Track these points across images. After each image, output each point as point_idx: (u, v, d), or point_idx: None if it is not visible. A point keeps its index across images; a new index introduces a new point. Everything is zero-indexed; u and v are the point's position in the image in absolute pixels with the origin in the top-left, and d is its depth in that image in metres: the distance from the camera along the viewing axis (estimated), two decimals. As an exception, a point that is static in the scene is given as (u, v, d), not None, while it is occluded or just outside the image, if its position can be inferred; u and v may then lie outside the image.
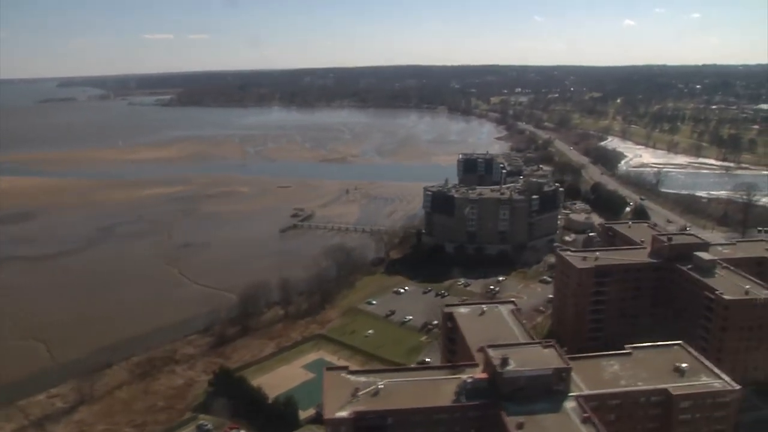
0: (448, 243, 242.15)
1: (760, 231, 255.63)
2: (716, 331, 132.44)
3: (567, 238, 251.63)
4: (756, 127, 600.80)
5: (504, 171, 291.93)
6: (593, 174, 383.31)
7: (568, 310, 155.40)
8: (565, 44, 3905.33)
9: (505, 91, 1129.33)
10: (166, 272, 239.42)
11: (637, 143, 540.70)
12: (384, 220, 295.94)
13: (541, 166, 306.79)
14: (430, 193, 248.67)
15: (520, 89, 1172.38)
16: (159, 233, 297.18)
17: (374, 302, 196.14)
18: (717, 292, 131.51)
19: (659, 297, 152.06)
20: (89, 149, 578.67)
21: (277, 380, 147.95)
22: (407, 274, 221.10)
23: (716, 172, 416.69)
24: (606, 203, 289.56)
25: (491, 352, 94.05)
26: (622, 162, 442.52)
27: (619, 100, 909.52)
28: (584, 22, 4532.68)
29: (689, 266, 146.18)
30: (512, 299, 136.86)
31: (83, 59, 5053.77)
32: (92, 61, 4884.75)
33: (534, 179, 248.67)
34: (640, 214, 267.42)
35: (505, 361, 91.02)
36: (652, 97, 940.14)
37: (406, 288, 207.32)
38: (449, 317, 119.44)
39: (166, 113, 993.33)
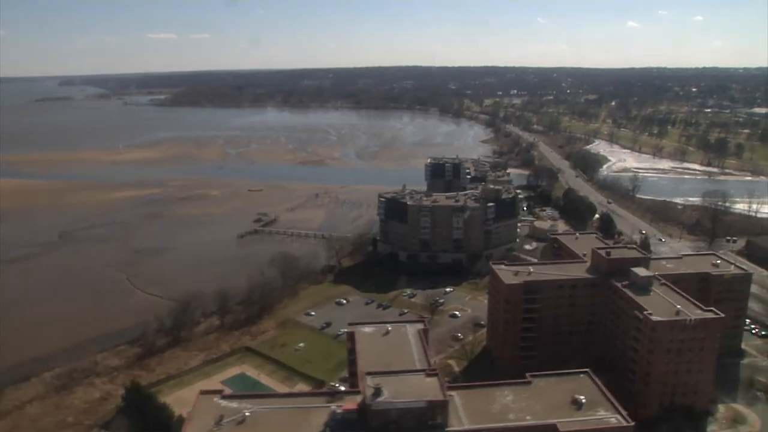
0: (401, 251, 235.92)
1: (728, 240, 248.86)
2: (644, 353, 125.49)
3: (528, 247, 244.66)
4: (747, 131, 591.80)
5: (468, 176, 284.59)
6: (570, 179, 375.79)
7: (500, 327, 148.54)
8: (567, 46, 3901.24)
9: (500, 93, 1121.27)
10: (114, 279, 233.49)
11: (624, 147, 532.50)
12: (346, 226, 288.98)
13: (508, 171, 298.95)
14: (384, 199, 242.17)
15: (516, 91, 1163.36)
16: (120, 238, 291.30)
17: (313, 313, 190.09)
18: (645, 312, 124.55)
19: (596, 314, 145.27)
20: (73, 150, 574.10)
21: (192, 396, 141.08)
22: (356, 284, 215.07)
23: (698, 177, 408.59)
24: (574, 210, 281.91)
25: (368, 380, 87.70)
26: (604, 166, 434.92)
27: (614, 103, 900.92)
28: (587, 24, 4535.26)
29: (625, 283, 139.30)
30: (423, 319, 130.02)
31: (86, 58, 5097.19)
32: (95, 60, 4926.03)
33: (492, 186, 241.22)
34: (606, 222, 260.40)
35: (377, 391, 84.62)
36: (647, 99, 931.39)
37: (350, 299, 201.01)
38: (351, 337, 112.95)
39: (160, 113, 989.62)
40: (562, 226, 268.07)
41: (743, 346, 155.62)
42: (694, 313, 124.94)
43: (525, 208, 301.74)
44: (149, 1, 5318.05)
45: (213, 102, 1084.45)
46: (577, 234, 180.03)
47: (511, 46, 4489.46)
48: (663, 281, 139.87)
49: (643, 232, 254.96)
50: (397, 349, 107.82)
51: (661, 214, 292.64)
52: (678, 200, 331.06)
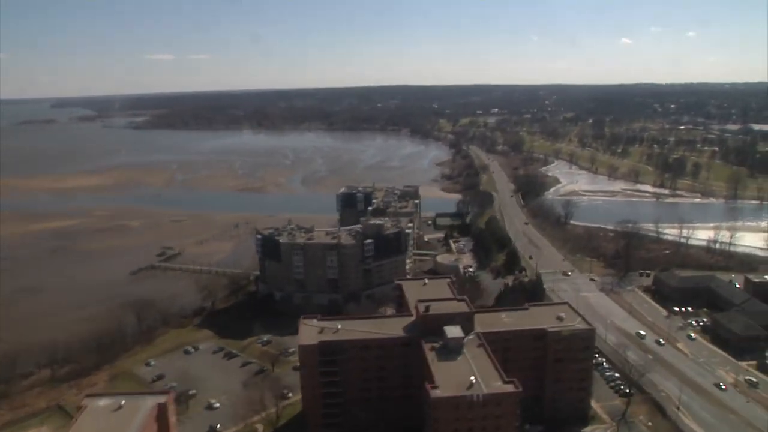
0: (277, 291, 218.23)
1: (642, 274, 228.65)
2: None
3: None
4: (713, 149, 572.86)
5: (370, 208, 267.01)
6: (506, 205, 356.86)
7: (305, 390, 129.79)
8: (561, 63, 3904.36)
9: (480, 111, 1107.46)
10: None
11: (582, 168, 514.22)
12: (249, 261, 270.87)
13: (417, 201, 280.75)
14: (260, 236, 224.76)
15: (497, 110, 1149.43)
16: (4, 276, 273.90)
17: (153, 363, 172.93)
18: (430, 385, 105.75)
19: (413, 379, 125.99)
20: (20, 177, 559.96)
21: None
22: (221, 327, 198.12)
23: (645, 200, 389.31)
24: (486, 241, 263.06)
25: None
26: (551, 190, 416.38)
27: (591, 120, 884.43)
28: (582, 41, 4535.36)
29: (436, 344, 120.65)
30: (167, 391, 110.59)
31: (84, 79, 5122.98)
32: (93, 81, 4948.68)
33: (373, 223, 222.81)
34: (511, 256, 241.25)
35: None
36: (624, 117, 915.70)
37: (200, 346, 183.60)
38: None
39: (133, 136, 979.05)
40: (467, 260, 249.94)
41: (596, 407, 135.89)
42: (490, 385, 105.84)
43: (443, 239, 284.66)
44: (148, 23, 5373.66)
45: (189, 125, 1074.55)
46: (426, 280, 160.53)
47: (506, 64, 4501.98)
48: (481, 342, 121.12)
49: (536, 268, 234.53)
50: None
51: (585, 243, 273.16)
52: (611, 227, 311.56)
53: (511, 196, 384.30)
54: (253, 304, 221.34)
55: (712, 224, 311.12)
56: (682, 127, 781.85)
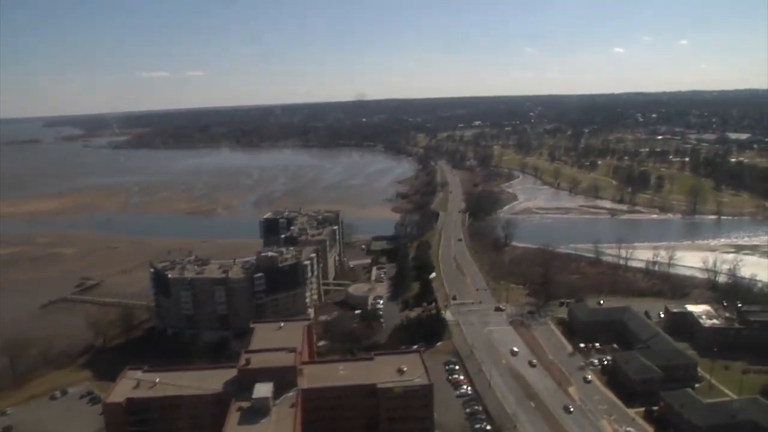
0: (170, 327, 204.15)
1: (562, 303, 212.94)
2: None
3: (325, 317, 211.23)
4: (685, 159, 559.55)
5: (283, 236, 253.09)
6: (449, 226, 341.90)
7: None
8: (554, 74, 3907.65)
9: (461, 125, 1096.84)
10: None
11: (546, 182, 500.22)
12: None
13: (334, 227, 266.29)
14: (152, 271, 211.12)
15: (479, 122, 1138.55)
16: None
17: (9, 412, 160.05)
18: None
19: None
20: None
21: None
22: (101, 368, 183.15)
23: (600, 217, 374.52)
24: (406, 268, 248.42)
25: None
26: (506, 207, 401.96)
27: (569, 132, 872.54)
28: (575, 52, 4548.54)
29: (246, 404, 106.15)
30: None
31: (79, 98, 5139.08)
32: (88, 100, 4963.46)
33: (266, 255, 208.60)
34: (425, 285, 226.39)
35: None
36: (605, 127, 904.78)
37: (69, 390, 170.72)
38: None
39: (109, 156, 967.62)
40: (381, 291, 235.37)
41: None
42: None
43: (369, 266, 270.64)
44: (143, 41, 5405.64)
45: (168, 143, 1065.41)
46: (282, 323, 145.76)
47: (499, 76, 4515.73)
48: (293, 403, 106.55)
49: (448, 298, 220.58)
50: None
51: (516, 267, 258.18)
52: (557, 248, 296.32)
53: (462, 214, 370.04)
54: (147, 341, 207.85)
55: (660, 243, 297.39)
56: (660, 137, 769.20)
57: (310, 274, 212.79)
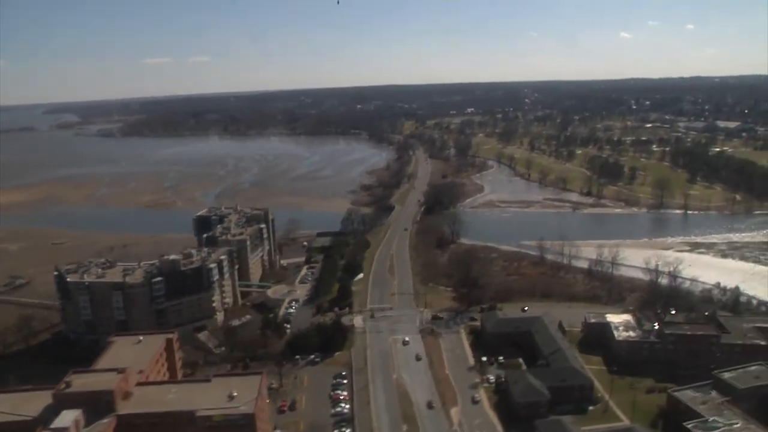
0: (72, 333, 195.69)
1: (483, 309, 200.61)
2: None
3: (236, 322, 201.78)
4: (666, 149, 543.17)
5: (205, 235, 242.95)
6: (399, 220, 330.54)
7: None
8: (560, 59, 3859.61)
9: (453, 111, 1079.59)
10: None
11: (517, 173, 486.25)
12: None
13: (262, 226, 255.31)
14: (56, 273, 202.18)
15: (472, 109, 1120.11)
16: None
17: None
18: None
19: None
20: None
21: None
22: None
23: (561, 211, 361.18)
24: (332, 268, 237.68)
25: None
26: (468, 200, 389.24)
27: (559, 120, 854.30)
28: (580, 36, 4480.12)
29: None
30: None
31: (84, 85, 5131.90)
32: (92, 87, 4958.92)
33: (167, 259, 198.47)
34: (344, 287, 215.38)
35: None
36: (597, 114, 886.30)
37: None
38: None
39: (96, 145, 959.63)
40: (302, 293, 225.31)
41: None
42: None
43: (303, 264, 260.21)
44: (147, 27, 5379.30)
45: (156, 132, 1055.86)
46: (141, 337, 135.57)
47: (504, 62, 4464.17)
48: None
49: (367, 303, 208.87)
50: None
51: (452, 268, 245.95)
52: (505, 246, 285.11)
53: (418, 208, 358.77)
54: (48, 347, 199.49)
55: (613, 240, 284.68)
56: (649, 125, 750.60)
57: (217, 277, 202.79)
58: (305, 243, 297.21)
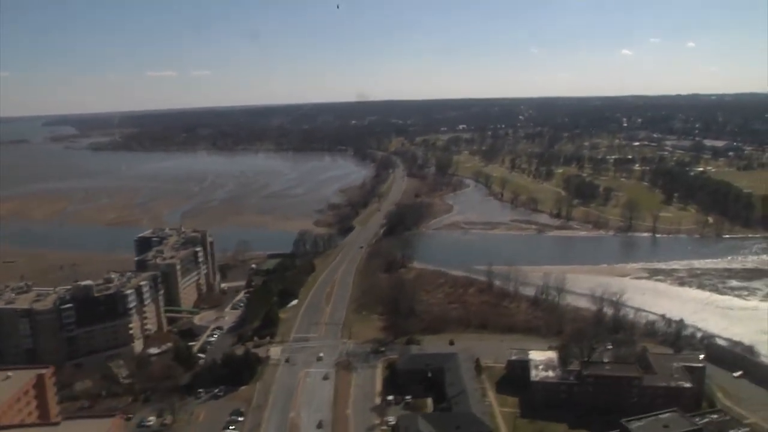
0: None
1: (410, 342, 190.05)
2: None
3: (153, 350, 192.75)
4: (646, 168, 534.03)
5: (136, 259, 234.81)
6: (353, 243, 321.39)
7: None
8: (563, 75, 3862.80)
9: (444, 128, 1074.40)
10: None
11: (492, 193, 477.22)
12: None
13: (197, 249, 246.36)
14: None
15: (464, 126, 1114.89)
16: None
17: None
18: None
19: None
20: None
21: None
22: None
23: (524, 233, 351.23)
24: (266, 293, 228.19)
25: None
26: (433, 221, 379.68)
27: (548, 137, 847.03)
28: (582, 52, 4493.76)
29: None
30: None
31: (87, 97, 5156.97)
32: (95, 99, 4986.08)
33: (80, 284, 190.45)
34: (272, 316, 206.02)
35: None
36: (587, 132, 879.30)
37: None
38: None
39: (83, 158, 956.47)
40: (230, 320, 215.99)
41: None
42: None
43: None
44: (150, 40, 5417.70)
45: (144, 146, 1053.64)
46: (10, 373, 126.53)
47: (506, 78, 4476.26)
48: None
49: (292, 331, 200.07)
50: None
51: (392, 295, 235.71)
52: (457, 270, 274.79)
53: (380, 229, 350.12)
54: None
55: (569, 266, 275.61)
56: (637, 143, 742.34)
57: (135, 303, 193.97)
58: (253, 265, 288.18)
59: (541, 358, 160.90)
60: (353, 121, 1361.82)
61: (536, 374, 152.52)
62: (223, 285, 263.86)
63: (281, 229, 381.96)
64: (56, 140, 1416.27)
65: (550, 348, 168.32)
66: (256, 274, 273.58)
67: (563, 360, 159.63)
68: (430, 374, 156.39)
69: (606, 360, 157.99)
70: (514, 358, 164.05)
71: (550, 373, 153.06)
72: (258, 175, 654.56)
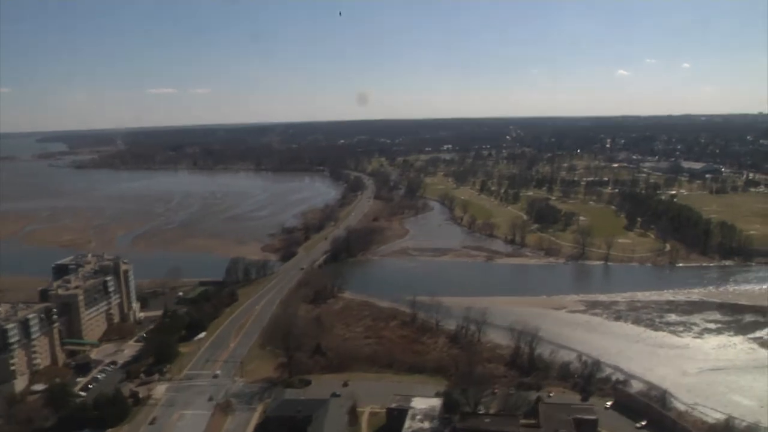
0: None
1: (302, 381, 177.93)
2: None
3: (38, 387, 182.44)
4: (615, 190, 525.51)
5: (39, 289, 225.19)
6: (291, 270, 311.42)
7: None
8: (561, 96, 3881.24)
9: (428, 149, 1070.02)
10: None
11: (452, 216, 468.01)
12: None
13: (108, 278, 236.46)
14: None
15: (449, 146, 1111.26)
16: None
17: None
18: None
19: None
20: None
21: None
22: None
23: (471, 261, 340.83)
24: (176, 323, 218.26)
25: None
26: (382, 247, 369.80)
27: (528, 158, 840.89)
28: (579, 73, 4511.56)
29: None
30: None
31: (86, 114, 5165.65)
32: (94, 116, 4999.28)
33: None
34: (163, 354, 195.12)
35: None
36: (569, 153, 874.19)
37: None
38: None
39: (59, 177, 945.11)
40: (129, 351, 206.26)
41: None
42: None
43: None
44: (149, 58, 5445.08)
45: (127, 164, 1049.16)
46: None
47: (504, 97, 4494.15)
48: None
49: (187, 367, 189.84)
50: None
51: (308, 329, 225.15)
52: (385, 302, 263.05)
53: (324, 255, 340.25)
54: None
55: (505, 297, 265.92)
56: (616, 165, 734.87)
57: (18, 338, 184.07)
58: (180, 293, 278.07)
59: (423, 406, 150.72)
60: (341, 141, 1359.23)
61: (410, 425, 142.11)
62: (141, 314, 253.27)
63: (228, 254, 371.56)
64: (42, 157, 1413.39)
65: (437, 394, 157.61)
66: (180, 303, 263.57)
67: (448, 408, 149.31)
68: (299, 422, 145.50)
69: (490, 411, 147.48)
70: (394, 405, 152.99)
71: (426, 425, 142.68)
72: (227, 196, 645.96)
